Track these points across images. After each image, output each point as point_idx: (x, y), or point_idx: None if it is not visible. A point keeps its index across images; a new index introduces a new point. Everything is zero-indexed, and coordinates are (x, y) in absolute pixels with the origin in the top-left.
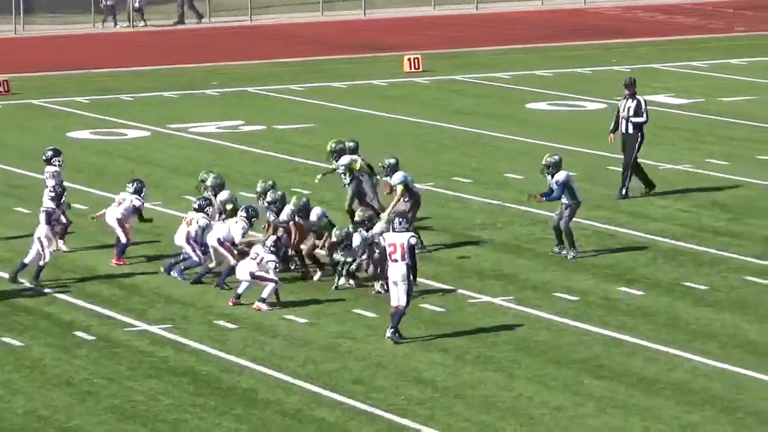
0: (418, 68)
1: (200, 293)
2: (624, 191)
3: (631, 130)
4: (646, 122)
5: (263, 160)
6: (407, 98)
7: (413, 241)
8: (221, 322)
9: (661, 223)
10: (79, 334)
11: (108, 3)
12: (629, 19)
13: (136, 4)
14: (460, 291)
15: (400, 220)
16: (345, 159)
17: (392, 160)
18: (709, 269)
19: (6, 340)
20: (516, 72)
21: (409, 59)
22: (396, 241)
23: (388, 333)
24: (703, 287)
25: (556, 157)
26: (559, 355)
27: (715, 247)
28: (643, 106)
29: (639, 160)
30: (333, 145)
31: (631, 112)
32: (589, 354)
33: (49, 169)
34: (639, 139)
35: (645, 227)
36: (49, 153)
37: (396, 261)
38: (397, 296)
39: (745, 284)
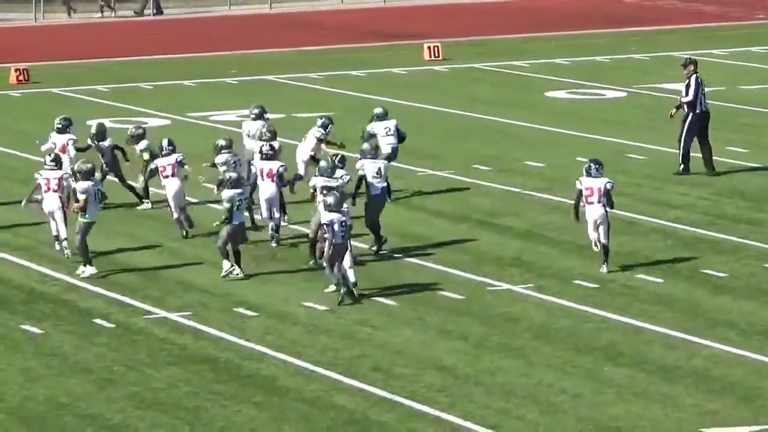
0: (438, 56)
1: (219, 281)
2: (681, 167)
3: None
4: (690, 102)
5: (283, 149)
6: (427, 86)
7: (609, 186)
8: (240, 310)
9: (680, 211)
10: (98, 321)
11: None
12: (648, 7)
13: None
14: (480, 278)
15: (597, 166)
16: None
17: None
18: (728, 257)
19: (26, 327)
20: (535, 60)
21: (428, 47)
22: (593, 185)
23: (604, 269)
24: (722, 275)
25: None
26: (578, 342)
27: (734, 235)
28: (691, 86)
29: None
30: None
31: (682, 92)
32: (609, 341)
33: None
34: (687, 118)
35: (664, 215)
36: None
37: (593, 203)
38: (598, 236)
39: (764, 271)
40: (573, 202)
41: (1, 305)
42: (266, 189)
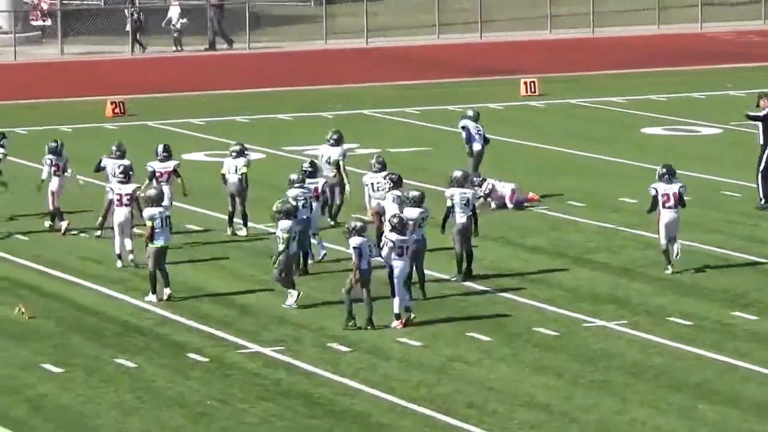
0: (535, 92)
1: (313, 314)
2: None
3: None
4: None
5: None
6: (523, 122)
7: (682, 190)
8: (334, 345)
9: None
10: (191, 355)
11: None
12: (744, 44)
13: (178, 26)
14: (574, 315)
15: (671, 173)
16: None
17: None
18: None
19: (119, 361)
20: (631, 96)
21: (525, 83)
22: (669, 191)
23: (669, 269)
24: None
25: None
26: (672, 379)
27: None
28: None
29: None
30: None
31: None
32: (703, 379)
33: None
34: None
35: (759, 251)
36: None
37: (670, 208)
38: (669, 237)
39: None
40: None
41: (95, 338)
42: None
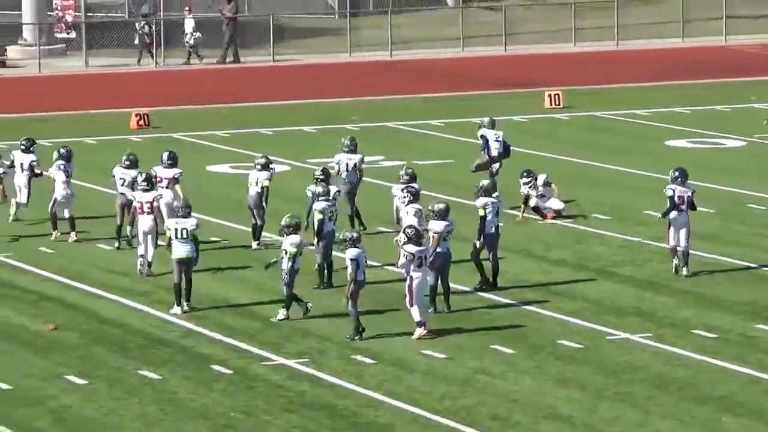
0: (559, 104)
1: (338, 327)
2: None
3: None
4: None
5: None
6: (547, 134)
7: (692, 194)
8: (358, 357)
9: None
10: (216, 367)
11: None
12: None
13: (191, 41)
14: (599, 327)
15: (684, 176)
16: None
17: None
18: None
19: (143, 372)
20: (655, 109)
21: (549, 95)
22: (683, 194)
23: (684, 271)
24: None
25: None
26: (696, 392)
27: None
28: None
29: None
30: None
31: None
32: (727, 391)
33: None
34: None
35: None
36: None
37: (682, 211)
38: (679, 240)
39: None
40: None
41: (119, 350)
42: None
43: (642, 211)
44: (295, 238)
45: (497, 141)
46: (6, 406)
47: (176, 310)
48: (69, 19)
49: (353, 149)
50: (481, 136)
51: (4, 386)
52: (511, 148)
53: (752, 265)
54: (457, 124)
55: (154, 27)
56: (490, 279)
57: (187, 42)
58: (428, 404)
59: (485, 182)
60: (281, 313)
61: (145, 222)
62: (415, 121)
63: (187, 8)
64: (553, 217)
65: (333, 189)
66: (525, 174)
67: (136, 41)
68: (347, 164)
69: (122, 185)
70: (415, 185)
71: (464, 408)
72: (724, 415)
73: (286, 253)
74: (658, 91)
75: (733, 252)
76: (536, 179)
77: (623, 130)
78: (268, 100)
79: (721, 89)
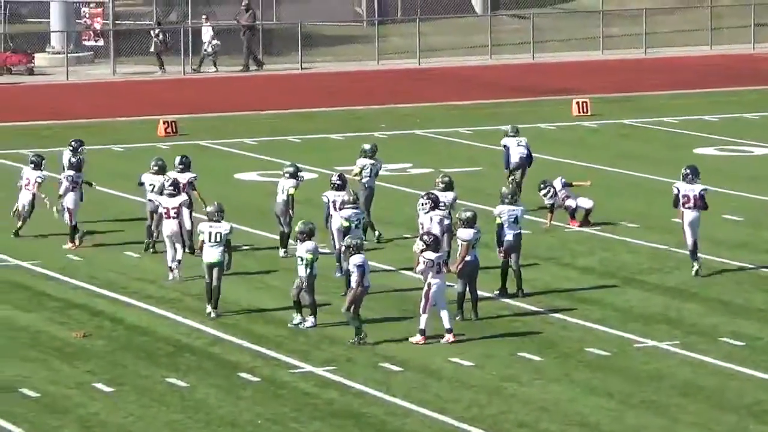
0: (587, 112)
1: (365, 334)
2: None
3: None
4: None
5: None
6: (575, 142)
7: (703, 192)
8: (386, 365)
9: None
10: (243, 375)
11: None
12: None
13: (210, 49)
14: (626, 335)
15: (693, 174)
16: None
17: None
18: None
19: (171, 380)
20: (683, 116)
21: (577, 103)
22: (690, 192)
23: (696, 266)
24: None
25: None
26: (724, 400)
27: None
28: None
29: None
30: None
31: None
32: (755, 399)
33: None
34: None
35: None
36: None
37: (690, 208)
38: (686, 237)
39: None
40: (674, 206)
41: (147, 358)
42: (338, 220)
43: (670, 218)
44: (309, 245)
45: (519, 146)
46: (33, 413)
47: (209, 309)
48: (97, 27)
49: (374, 154)
50: (504, 146)
51: (32, 393)
52: (539, 156)
53: None
54: (485, 131)
55: (168, 35)
56: (516, 287)
57: (205, 50)
58: (455, 412)
59: (503, 189)
60: (309, 321)
61: (169, 226)
62: (443, 128)
63: (204, 16)
64: (580, 224)
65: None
66: (541, 186)
67: (152, 49)
68: (371, 170)
69: (151, 191)
70: (435, 192)
71: (491, 416)
72: (752, 423)
73: (301, 260)
74: (686, 99)
75: (763, 260)
76: (553, 186)
77: (651, 137)
78: (296, 107)
79: (750, 97)
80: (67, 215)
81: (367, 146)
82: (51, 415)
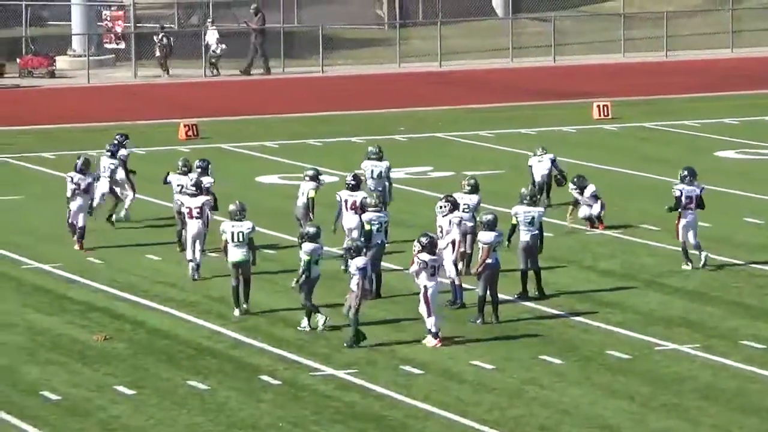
0: (608, 115)
1: (386, 337)
2: None
3: None
4: None
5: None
6: (596, 145)
7: (700, 191)
8: (407, 368)
9: None
10: (264, 378)
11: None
12: None
13: (217, 52)
14: (647, 338)
15: (692, 176)
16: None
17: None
18: None
19: (192, 383)
20: (704, 120)
21: (598, 106)
22: (691, 194)
23: (702, 259)
24: None
25: None
26: (745, 403)
27: None
28: None
29: None
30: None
31: None
32: None
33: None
34: None
35: None
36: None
37: (690, 209)
38: (688, 238)
39: None
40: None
41: (168, 361)
42: (349, 219)
43: None
44: (308, 246)
45: (541, 163)
46: (54, 416)
47: (236, 313)
48: (118, 30)
49: (379, 157)
50: (529, 166)
51: (53, 396)
52: (561, 159)
53: None
54: (506, 134)
55: (171, 39)
56: (536, 288)
57: (213, 51)
58: (476, 415)
59: (523, 190)
60: (303, 323)
61: (193, 227)
62: (464, 131)
63: (210, 20)
64: (591, 226)
65: (360, 195)
66: (575, 180)
67: (157, 53)
68: (372, 171)
69: (179, 192)
70: (456, 195)
71: (513, 419)
72: None
73: (301, 261)
74: (707, 102)
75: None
76: (586, 188)
77: (672, 140)
78: (317, 111)
79: None
80: (81, 216)
81: (370, 148)
82: (72, 418)
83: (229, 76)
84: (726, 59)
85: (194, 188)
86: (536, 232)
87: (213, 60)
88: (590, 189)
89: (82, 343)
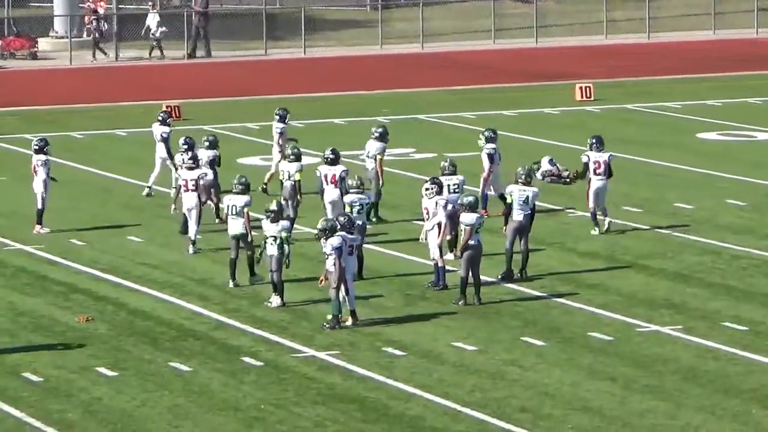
0: (590, 97)
1: (368, 319)
2: None
3: None
4: None
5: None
6: (578, 127)
7: (609, 158)
8: (389, 349)
9: None
10: (246, 359)
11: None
12: None
13: (157, 35)
14: (629, 320)
15: (599, 143)
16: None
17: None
18: None
19: (174, 364)
20: (687, 101)
21: (580, 88)
22: (600, 159)
23: (606, 225)
24: None
25: None
26: (727, 384)
27: None
28: None
29: None
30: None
31: None
32: (758, 384)
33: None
34: None
35: None
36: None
37: (599, 175)
38: (596, 203)
39: None
40: (581, 174)
41: (150, 342)
42: (330, 193)
43: (673, 203)
44: (285, 223)
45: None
46: (37, 398)
47: (231, 285)
48: (100, 11)
49: (379, 137)
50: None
51: (35, 378)
52: (540, 141)
53: None
54: (488, 116)
55: (104, 23)
56: (520, 268)
57: (152, 35)
58: (458, 396)
59: (519, 169)
60: (276, 300)
61: (189, 199)
62: (446, 113)
63: (150, 3)
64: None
65: (339, 169)
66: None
67: (85, 35)
68: (369, 152)
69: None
70: (440, 178)
71: (494, 400)
72: (754, 407)
73: (274, 239)
74: (689, 84)
75: (765, 245)
76: (539, 168)
77: (654, 122)
78: (299, 92)
79: (753, 82)
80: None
81: (373, 129)
82: (54, 399)
83: (215, 58)
84: (708, 41)
85: (191, 161)
86: (529, 212)
87: (153, 43)
88: (545, 160)
89: (64, 325)
